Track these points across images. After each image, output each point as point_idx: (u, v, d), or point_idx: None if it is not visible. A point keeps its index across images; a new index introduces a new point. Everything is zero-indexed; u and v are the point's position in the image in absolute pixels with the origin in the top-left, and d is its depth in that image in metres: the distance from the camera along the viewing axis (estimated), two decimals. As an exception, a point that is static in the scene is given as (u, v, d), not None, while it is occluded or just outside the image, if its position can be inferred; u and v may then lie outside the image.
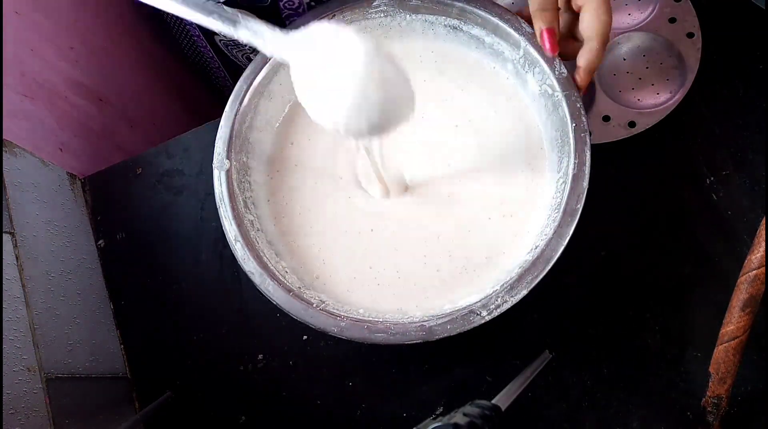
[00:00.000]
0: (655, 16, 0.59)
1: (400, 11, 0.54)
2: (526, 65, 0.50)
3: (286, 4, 0.59)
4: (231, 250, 0.48)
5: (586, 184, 0.44)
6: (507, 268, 0.47)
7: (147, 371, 0.60)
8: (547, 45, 0.47)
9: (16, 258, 0.52)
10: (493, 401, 0.43)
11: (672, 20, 0.59)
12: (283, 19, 0.61)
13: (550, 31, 0.46)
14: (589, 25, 0.45)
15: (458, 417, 0.39)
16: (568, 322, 0.54)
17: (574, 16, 0.47)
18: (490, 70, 0.54)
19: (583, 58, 0.46)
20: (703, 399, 0.45)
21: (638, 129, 0.55)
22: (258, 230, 0.50)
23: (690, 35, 0.58)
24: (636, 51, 0.59)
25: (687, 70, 0.57)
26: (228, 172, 0.50)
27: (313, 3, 0.59)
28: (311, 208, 0.53)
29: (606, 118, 0.56)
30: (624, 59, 0.59)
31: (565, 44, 0.48)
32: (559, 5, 0.47)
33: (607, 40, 0.45)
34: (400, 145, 0.53)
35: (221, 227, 0.48)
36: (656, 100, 0.57)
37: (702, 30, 0.58)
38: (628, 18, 0.61)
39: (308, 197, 0.53)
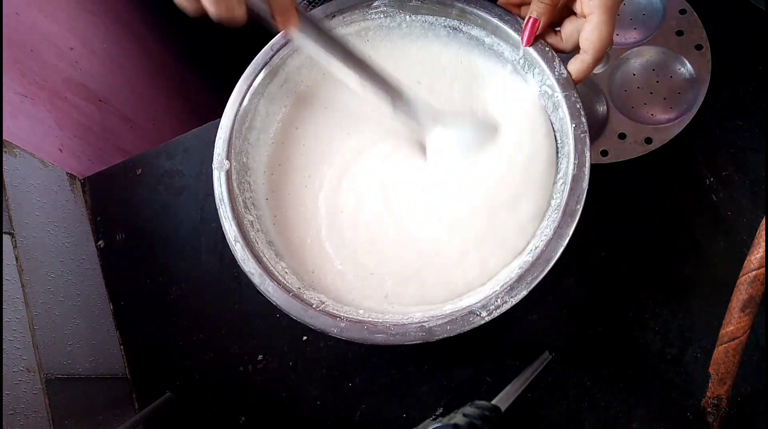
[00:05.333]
0: (661, 30, 0.59)
1: (399, 12, 0.54)
2: (526, 66, 0.50)
3: None
4: (231, 251, 0.48)
5: (585, 185, 0.44)
6: (505, 269, 0.47)
7: (147, 372, 0.60)
8: (526, 34, 0.47)
9: (16, 258, 0.52)
10: (493, 402, 0.43)
11: (679, 33, 0.59)
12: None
13: (535, 23, 0.46)
14: (588, 38, 0.44)
15: (458, 417, 0.39)
16: (568, 322, 0.54)
17: (571, 14, 0.47)
18: (489, 70, 0.54)
19: (574, 68, 0.46)
20: (703, 399, 0.45)
21: (655, 145, 0.55)
22: (258, 231, 0.50)
23: (698, 47, 0.58)
24: (645, 66, 0.59)
25: (698, 82, 0.56)
26: (228, 173, 0.50)
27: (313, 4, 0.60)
28: (308, 207, 0.53)
29: (622, 136, 0.56)
30: (634, 74, 0.59)
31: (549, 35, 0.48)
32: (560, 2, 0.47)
33: (602, 56, 0.44)
34: (400, 148, 0.53)
35: (221, 228, 0.48)
36: (670, 114, 0.57)
37: (710, 41, 0.57)
38: (634, 33, 0.60)
39: (306, 197, 0.53)
